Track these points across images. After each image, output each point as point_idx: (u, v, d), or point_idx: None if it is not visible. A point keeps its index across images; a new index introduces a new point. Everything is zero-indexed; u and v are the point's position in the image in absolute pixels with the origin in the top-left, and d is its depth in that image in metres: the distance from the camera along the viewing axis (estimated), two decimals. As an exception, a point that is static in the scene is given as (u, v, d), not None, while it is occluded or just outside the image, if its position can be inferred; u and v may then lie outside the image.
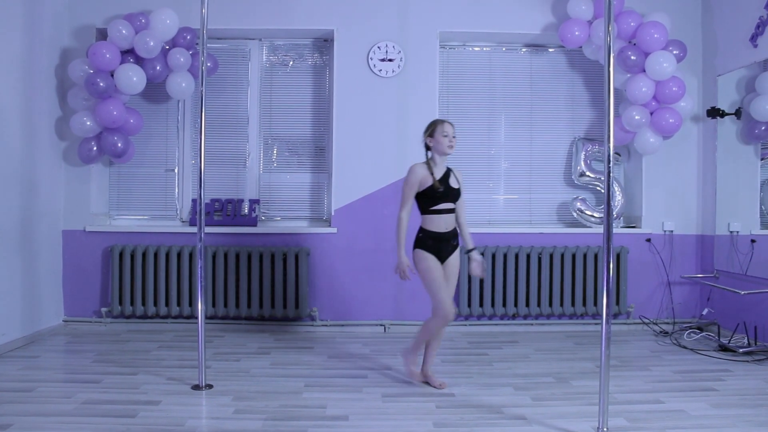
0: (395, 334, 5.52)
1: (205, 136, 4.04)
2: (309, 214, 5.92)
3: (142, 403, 3.66)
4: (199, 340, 3.95)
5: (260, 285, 5.56)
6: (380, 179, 5.64)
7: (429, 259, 3.95)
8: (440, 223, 3.96)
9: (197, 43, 5.65)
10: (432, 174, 3.95)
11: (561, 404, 3.77)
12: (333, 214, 5.64)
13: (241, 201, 5.78)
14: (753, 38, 5.20)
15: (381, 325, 5.63)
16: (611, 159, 3.16)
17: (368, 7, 5.67)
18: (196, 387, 3.94)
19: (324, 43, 5.93)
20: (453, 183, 4.01)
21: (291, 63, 5.96)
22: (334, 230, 5.63)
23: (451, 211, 4.00)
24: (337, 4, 5.66)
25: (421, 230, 4.00)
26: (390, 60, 5.67)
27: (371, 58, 5.65)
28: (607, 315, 3.18)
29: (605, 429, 3.23)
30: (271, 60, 5.95)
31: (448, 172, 4.06)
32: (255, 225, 5.71)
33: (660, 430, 3.38)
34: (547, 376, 4.34)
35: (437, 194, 3.92)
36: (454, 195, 4.00)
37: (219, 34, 5.81)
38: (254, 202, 5.79)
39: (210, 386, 3.96)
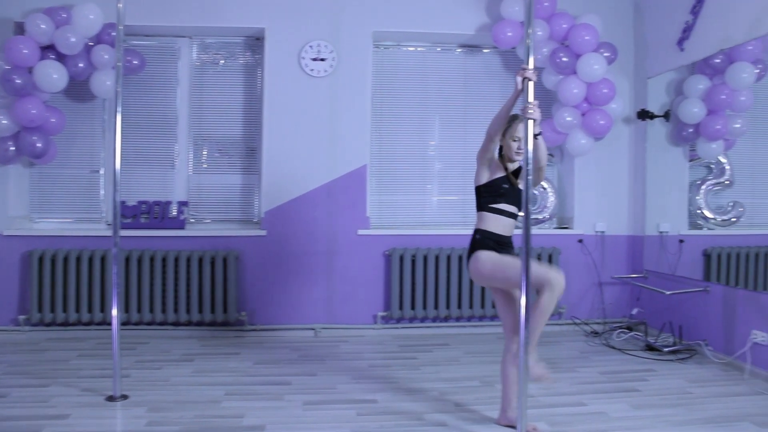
0: (326, 338, 5.44)
1: (121, 136, 3.87)
2: (239, 217, 5.78)
3: (50, 417, 3.50)
4: (113, 348, 3.81)
5: (188, 289, 5.41)
6: (311, 181, 5.54)
7: (493, 256, 3.36)
8: (499, 226, 3.42)
9: (123, 40, 5.48)
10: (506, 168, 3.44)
11: (484, 409, 3.73)
12: (263, 216, 5.53)
13: (169, 203, 5.62)
14: (680, 42, 5.26)
15: (311, 329, 5.54)
16: (529, 162, 3.12)
17: (300, 5, 5.55)
18: (111, 398, 3.78)
19: (255, 42, 5.80)
20: (521, 185, 3.33)
21: (222, 62, 5.82)
22: (264, 233, 5.51)
23: (514, 216, 3.47)
24: (268, 2, 5.53)
25: (478, 231, 3.45)
26: (322, 59, 5.57)
27: (303, 58, 5.54)
28: (525, 319, 3.12)
29: (525, 433, 3.19)
30: (201, 58, 5.80)
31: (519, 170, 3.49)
32: (183, 228, 5.55)
33: (579, 434, 3.38)
34: (473, 379, 4.31)
35: (501, 191, 3.41)
36: (519, 199, 3.44)
37: (147, 31, 5.63)
38: (183, 204, 5.63)
39: (125, 397, 3.81)
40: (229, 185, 5.78)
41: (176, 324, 5.45)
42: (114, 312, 3.82)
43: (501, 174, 3.42)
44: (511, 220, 3.45)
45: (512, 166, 3.46)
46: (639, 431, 3.44)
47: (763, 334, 4.32)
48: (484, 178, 3.46)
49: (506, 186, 3.40)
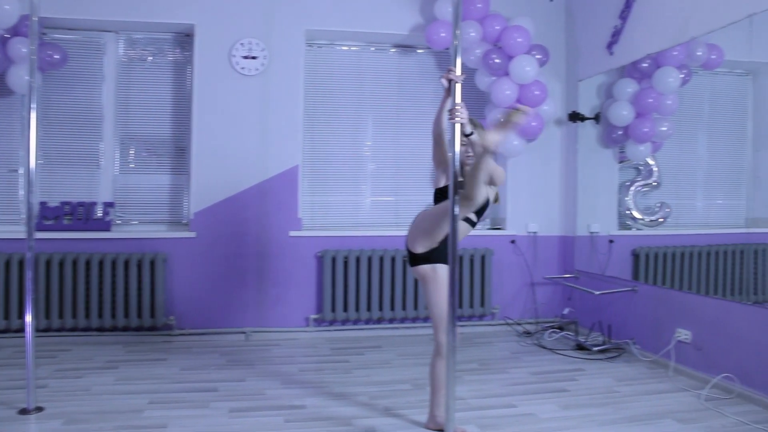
0: (257, 342, 5.33)
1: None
2: (167, 218, 5.62)
3: (-47, 433, 3.32)
4: (27, 357, 3.61)
5: (113, 293, 5.23)
6: (242, 181, 5.42)
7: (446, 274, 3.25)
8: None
9: (44, 33, 5.27)
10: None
11: (413, 413, 3.70)
12: (192, 217, 5.38)
13: (94, 204, 5.41)
14: (609, 46, 5.33)
15: (242, 332, 5.42)
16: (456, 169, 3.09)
17: (231, 2, 5.42)
18: (24, 411, 3.59)
19: (185, 38, 5.64)
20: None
21: (150, 58, 5.64)
22: (193, 234, 5.36)
23: (469, 221, 3.37)
24: (198, -3, 5.39)
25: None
26: (253, 57, 5.46)
27: (234, 56, 5.42)
28: (450, 321, 3.08)
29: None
30: (128, 54, 5.61)
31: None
32: (109, 230, 5.36)
33: (507, 437, 3.38)
34: (405, 383, 4.28)
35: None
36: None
37: (69, 24, 5.40)
38: (108, 205, 5.43)
39: (40, 409, 3.62)
40: (157, 186, 5.61)
41: (101, 330, 5.25)
42: (28, 318, 3.63)
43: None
44: (464, 224, 3.38)
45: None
46: (567, 431, 3.46)
47: (686, 332, 4.42)
48: (440, 182, 3.44)
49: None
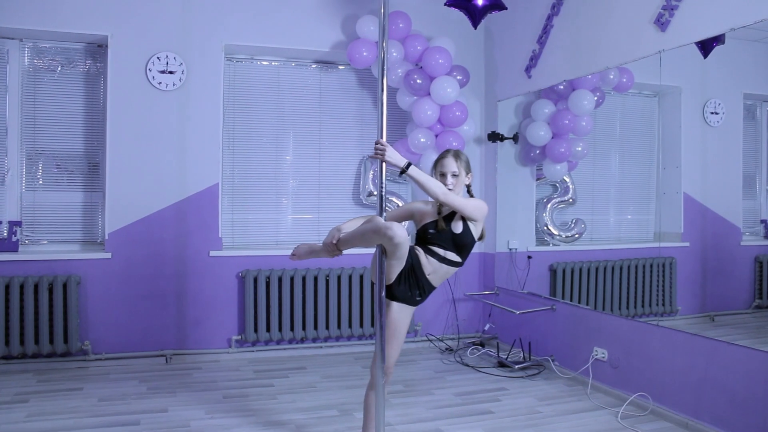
0: (178, 365, 5.18)
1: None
2: (81, 237, 5.38)
3: None
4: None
5: (21, 318, 4.95)
6: (159, 200, 5.26)
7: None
8: (428, 265, 3.20)
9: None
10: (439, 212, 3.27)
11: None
12: (107, 237, 5.17)
13: (0, 223, 5.14)
14: (527, 69, 5.47)
15: (162, 355, 5.26)
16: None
17: (147, 13, 5.24)
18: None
19: (98, 49, 5.41)
20: (456, 228, 3.21)
21: (59, 69, 5.38)
22: (108, 255, 5.16)
23: (444, 260, 3.22)
24: (112, 8, 5.15)
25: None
26: (171, 72, 5.30)
27: (150, 69, 5.24)
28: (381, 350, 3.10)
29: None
30: (35, 64, 5.33)
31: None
32: (16, 250, 5.09)
33: (435, 468, 3.42)
34: (331, 408, 4.25)
35: (428, 236, 3.24)
36: (450, 240, 3.22)
37: (-33, 31, 5.10)
38: (15, 224, 5.15)
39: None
40: (69, 203, 5.36)
41: (8, 358, 4.97)
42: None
43: (429, 220, 3.28)
44: (445, 267, 3.23)
45: (446, 209, 3.27)
46: (492, 458, 3.54)
47: (603, 351, 4.59)
48: (417, 226, 3.37)
49: (432, 231, 3.23)
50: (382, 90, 3.08)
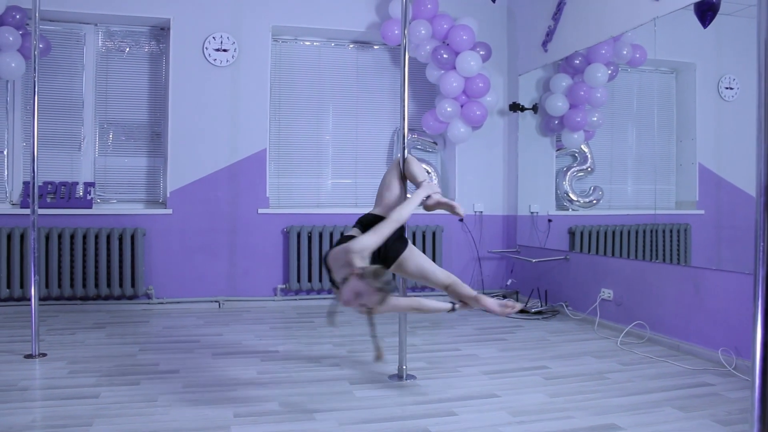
0: (229, 309, 5.84)
1: (29, 118, 4.18)
2: (145, 197, 6.10)
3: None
4: (32, 306, 4.05)
5: (95, 265, 5.68)
6: (214, 163, 5.94)
7: None
8: None
9: (27, 23, 5.67)
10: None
11: (370, 355, 4.24)
12: (168, 196, 5.87)
13: (76, 184, 5.86)
14: (544, 44, 6.00)
15: (216, 301, 5.93)
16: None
17: (204, -2, 5.95)
18: (29, 356, 4.04)
19: (161, 32, 6.12)
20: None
21: (127, 50, 6.11)
22: (170, 211, 5.85)
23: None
24: (173, -6, 5.89)
25: None
26: (224, 50, 5.97)
27: (206, 48, 5.93)
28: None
29: (404, 366, 3.74)
30: (107, 45, 6.07)
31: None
32: (90, 207, 5.81)
33: (453, 368, 3.98)
34: (365, 335, 4.81)
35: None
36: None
37: (51, 16, 5.83)
38: (89, 185, 5.88)
39: (44, 354, 4.09)
40: (135, 167, 6.08)
41: (84, 299, 5.70)
42: (32, 269, 4.09)
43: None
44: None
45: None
46: (502, 365, 4.07)
47: (609, 291, 5.08)
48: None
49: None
50: (404, 65, 3.69)
